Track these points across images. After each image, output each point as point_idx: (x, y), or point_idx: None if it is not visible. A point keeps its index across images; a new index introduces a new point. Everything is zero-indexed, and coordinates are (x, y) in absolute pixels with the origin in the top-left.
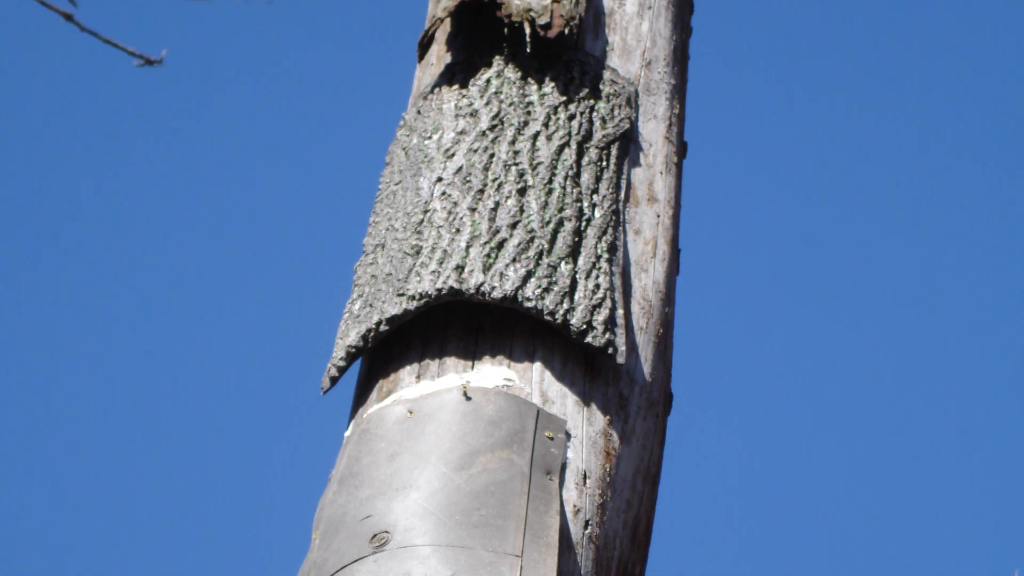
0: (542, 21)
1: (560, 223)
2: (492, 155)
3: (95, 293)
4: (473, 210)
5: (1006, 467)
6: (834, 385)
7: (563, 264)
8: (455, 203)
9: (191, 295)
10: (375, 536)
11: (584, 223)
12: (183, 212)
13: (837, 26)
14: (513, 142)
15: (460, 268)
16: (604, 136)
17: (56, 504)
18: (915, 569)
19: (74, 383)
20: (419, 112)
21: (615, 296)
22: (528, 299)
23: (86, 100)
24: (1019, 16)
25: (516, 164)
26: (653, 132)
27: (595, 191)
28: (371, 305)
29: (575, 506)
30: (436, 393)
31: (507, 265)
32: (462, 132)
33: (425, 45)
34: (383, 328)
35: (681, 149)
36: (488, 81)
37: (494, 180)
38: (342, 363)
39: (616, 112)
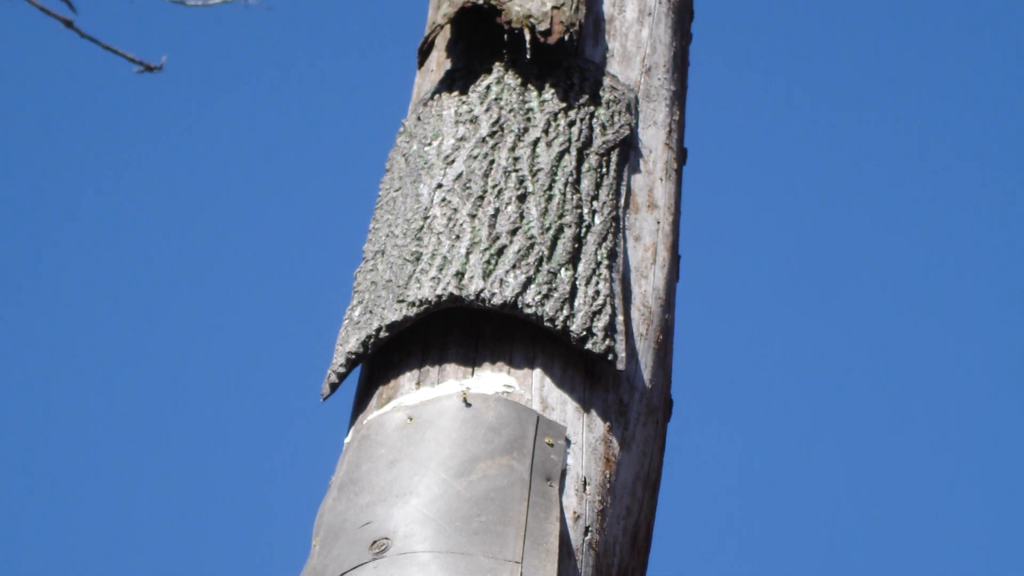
0: (542, 27)
1: (560, 229)
2: (492, 161)
3: (96, 299)
4: (473, 216)
5: (1007, 475)
6: (834, 391)
7: (563, 270)
8: (455, 209)
9: (191, 301)
10: (375, 542)
11: (584, 229)
12: (183, 218)
13: (837, 33)
14: (513, 148)
15: (460, 274)
16: (604, 142)
17: (58, 510)
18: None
19: (78, 390)
20: (419, 118)
21: (615, 302)
22: (528, 305)
23: (87, 106)
24: (1018, 17)
25: (516, 170)
26: (653, 138)
27: (595, 197)
28: (371, 311)
29: (575, 512)
30: (436, 399)
31: (507, 271)
32: (462, 138)
33: (425, 51)
34: (383, 334)
35: (681, 155)
36: (488, 87)
37: (494, 186)
38: (342, 369)
39: (616, 118)
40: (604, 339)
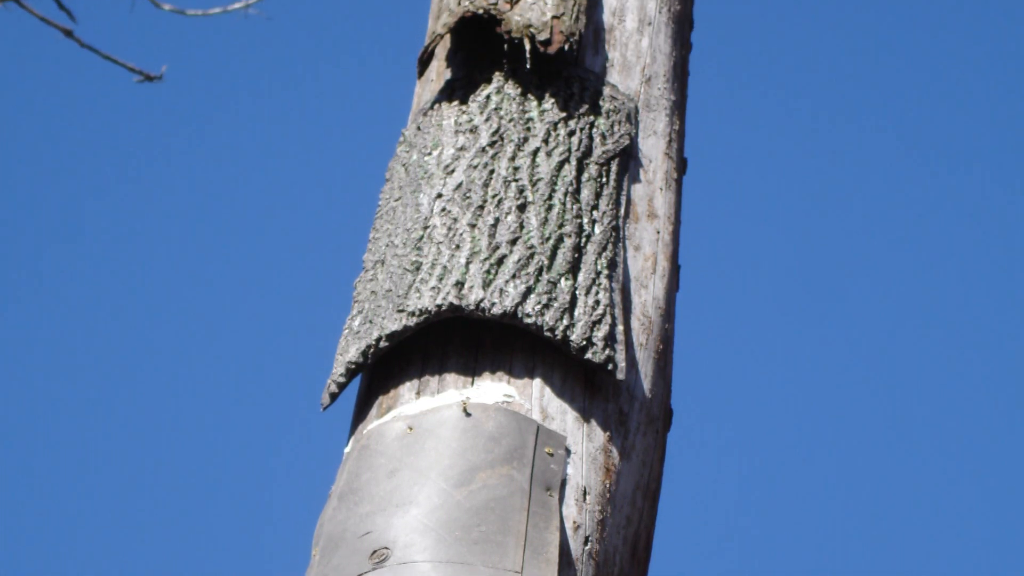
0: (542, 37)
1: (560, 239)
2: (492, 171)
3: (97, 307)
4: (473, 226)
5: (1009, 492)
6: (834, 401)
7: (563, 280)
8: (455, 219)
9: (191, 311)
10: (375, 552)
11: (584, 239)
12: (184, 228)
13: (837, 43)
14: (513, 158)
15: (460, 284)
16: (604, 152)
17: (59, 517)
18: None
19: (82, 401)
20: (419, 128)
21: (615, 312)
22: (528, 315)
23: (87, 116)
24: (1018, 17)
25: (516, 180)
26: (653, 148)
27: (595, 207)
28: (371, 321)
29: (575, 522)
30: (436, 409)
31: (507, 281)
32: (462, 148)
33: (425, 61)
34: (383, 344)
35: (681, 165)
36: (488, 97)
37: (494, 196)
38: (342, 379)
39: (616, 128)
40: (604, 349)
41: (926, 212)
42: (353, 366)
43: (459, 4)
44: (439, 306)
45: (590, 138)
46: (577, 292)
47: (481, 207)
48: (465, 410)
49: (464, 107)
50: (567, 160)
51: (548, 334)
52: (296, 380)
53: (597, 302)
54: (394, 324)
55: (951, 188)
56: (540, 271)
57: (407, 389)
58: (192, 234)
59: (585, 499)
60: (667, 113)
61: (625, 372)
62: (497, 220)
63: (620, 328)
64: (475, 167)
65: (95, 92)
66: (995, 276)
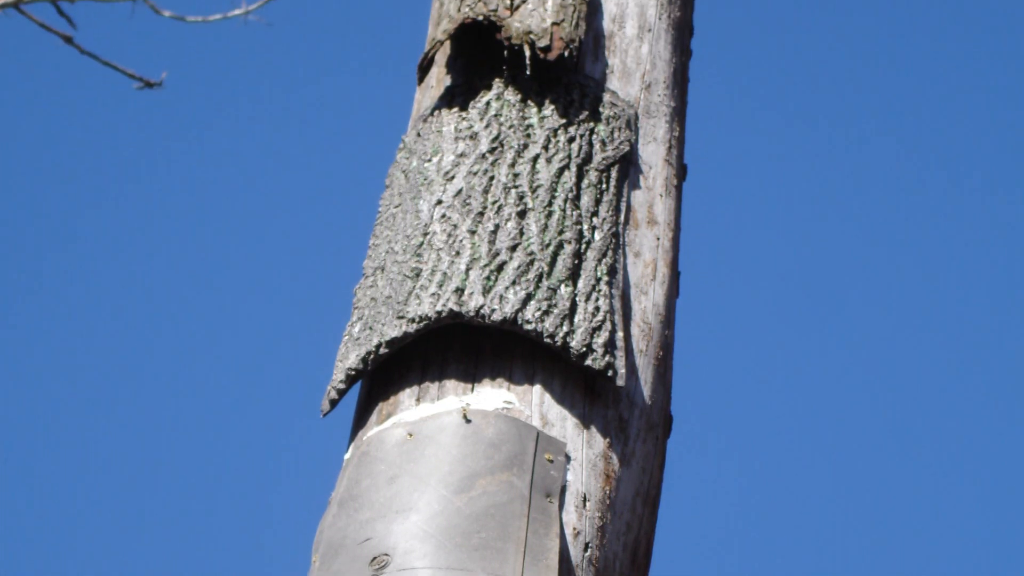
0: (542, 44)
1: (560, 246)
2: (492, 178)
3: (97, 314)
4: (473, 233)
5: (1008, 505)
6: (835, 407)
7: (563, 287)
8: (455, 226)
9: (190, 318)
10: (375, 559)
11: (584, 246)
12: (184, 234)
13: (838, 50)
14: (513, 164)
15: (460, 291)
16: (604, 159)
17: (60, 521)
18: None
19: (84, 402)
20: (419, 135)
21: (615, 319)
22: (528, 322)
23: (87, 122)
24: (1018, 18)
25: (516, 187)
26: (653, 154)
27: (595, 214)
28: (371, 328)
29: (575, 529)
30: (436, 416)
31: (507, 288)
32: (462, 155)
33: (425, 67)
34: (383, 351)
35: (681, 171)
36: (488, 103)
37: (494, 203)
38: (342, 386)
39: (616, 135)
40: (604, 355)
41: (925, 219)
42: (353, 372)
43: (459, 10)
44: (439, 312)
45: (590, 144)
46: (577, 298)
47: (481, 213)
48: (465, 416)
49: (464, 113)
50: (567, 166)
51: (548, 340)
52: (296, 386)
53: (597, 308)
54: (394, 330)
55: (950, 195)
56: (540, 277)
57: (407, 395)
58: (193, 240)
59: (585, 505)
60: (667, 119)
61: (625, 379)
62: (497, 226)
63: (620, 334)
64: (475, 173)
65: (95, 99)
66: (995, 283)
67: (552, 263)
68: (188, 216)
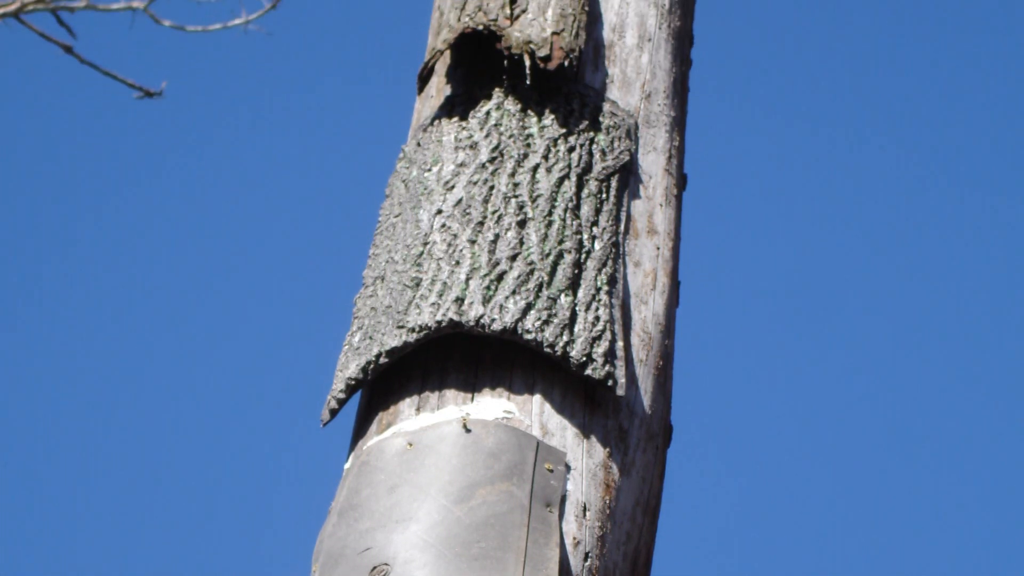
0: (542, 53)
1: (560, 255)
2: (492, 187)
3: (99, 320)
4: (473, 242)
5: (1006, 515)
6: (835, 416)
7: (563, 296)
8: (455, 235)
9: (190, 327)
10: (375, 568)
11: (584, 255)
12: (183, 243)
13: (838, 60)
14: (513, 174)
15: (460, 300)
16: (604, 168)
17: (60, 529)
18: None
19: (86, 409)
20: (419, 144)
21: (615, 328)
22: (528, 331)
23: (86, 132)
24: (1018, 18)
25: (516, 196)
26: (653, 164)
27: (595, 223)
28: (371, 337)
29: (575, 538)
30: (436, 425)
31: (507, 297)
32: (462, 164)
33: (425, 77)
34: (383, 360)
35: (681, 181)
36: (488, 113)
37: (494, 212)
38: (342, 395)
39: (616, 144)
40: (604, 365)
41: (924, 230)
42: (353, 382)
43: (459, 20)
44: (439, 322)
45: (590, 154)
46: (577, 308)
47: (481, 223)
48: (465, 426)
49: (464, 123)
50: (567, 176)
51: (548, 350)
52: (296, 396)
53: (597, 318)
54: (394, 340)
55: (950, 207)
56: (540, 287)
57: (407, 405)
58: (194, 249)
59: (585, 515)
60: (667, 129)
61: (625, 388)
62: (497, 236)
63: (620, 344)
64: (475, 183)
65: (95, 108)
66: (995, 291)
67: (552, 273)
68: (188, 225)
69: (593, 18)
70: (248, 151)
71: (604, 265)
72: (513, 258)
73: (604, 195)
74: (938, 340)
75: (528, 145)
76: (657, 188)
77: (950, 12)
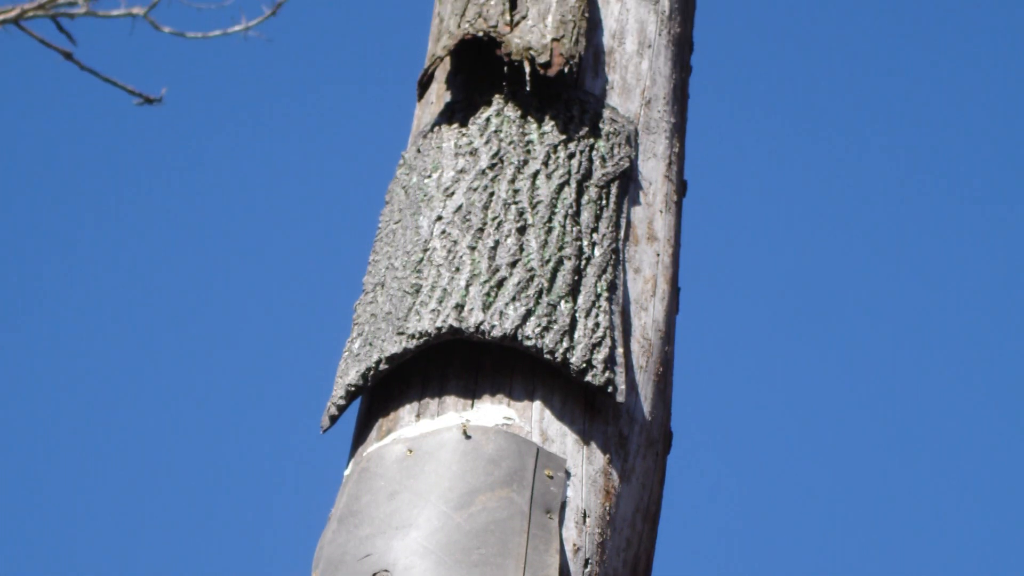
0: (542, 60)
1: (560, 262)
2: (492, 194)
3: (97, 333)
4: (473, 249)
5: (1004, 522)
6: (836, 423)
7: (563, 303)
8: (455, 242)
9: (188, 334)
10: (375, 575)
11: (584, 262)
12: (184, 249)
13: (839, 66)
14: (513, 181)
15: (460, 307)
16: (604, 175)
17: (61, 534)
18: None
19: (88, 414)
20: (419, 151)
21: (615, 335)
22: (528, 338)
23: (87, 138)
24: (1018, 19)
25: (516, 203)
26: (653, 170)
27: (595, 230)
28: (371, 344)
29: (575, 545)
30: (436, 432)
31: (507, 304)
32: (462, 171)
33: (425, 84)
34: (383, 367)
35: (681, 188)
36: (488, 120)
37: (494, 219)
38: (342, 402)
39: (616, 151)
40: (604, 371)
41: (926, 236)
42: (353, 388)
43: (459, 26)
44: (439, 329)
45: (590, 160)
46: (577, 314)
47: (481, 229)
48: (465, 433)
49: (464, 129)
50: (567, 182)
51: (548, 356)
52: (296, 403)
53: (597, 324)
54: (394, 347)
55: (951, 214)
56: (540, 293)
57: (407, 411)
58: (194, 255)
59: (585, 521)
60: (667, 135)
61: (625, 395)
62: (497, 242)
63: (620, 351)
64: (475, 189)
65: (95, 114)
66: (993, 298)
67: (552, 279)
68: (189, 232)
69: (593, 24)
70: (248, 157)
71: (604, 271)
72: (513, 264)
73: (604, 201)
74: (936, 349)
75: (528, 151)
76: (657, 194)
77: (949, 16)
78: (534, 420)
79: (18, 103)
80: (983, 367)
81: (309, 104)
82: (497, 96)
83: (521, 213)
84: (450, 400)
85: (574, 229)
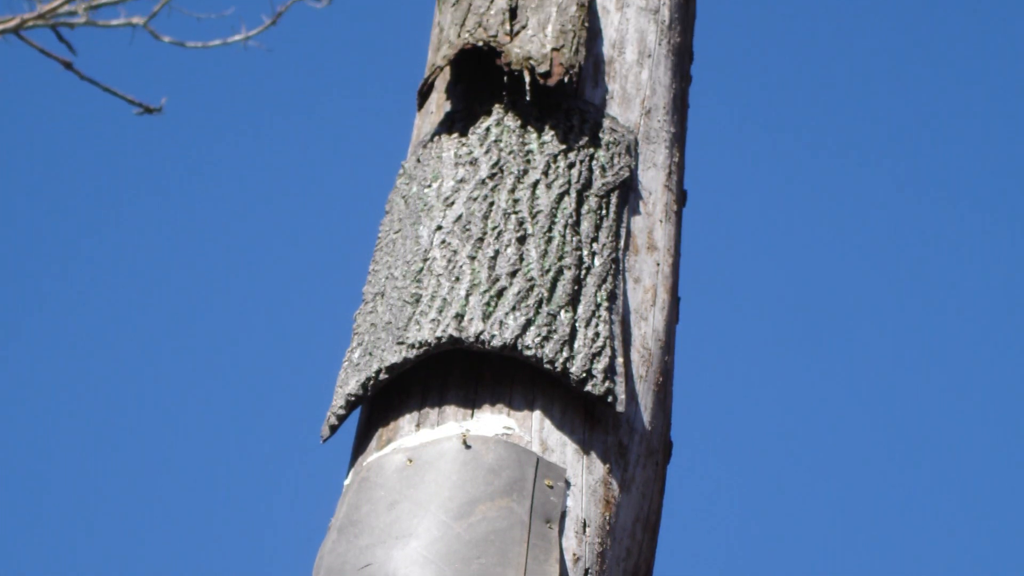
0: (542, 69)
1: (560, 271)
2: (492, 203)
3: (98, 338)
4: (473, 258)
5: (1003, 527)
6: (836, 434)
7: (563, 312)
8: (455, 251)
9: (189, 343)
10: None
11: (584, 271)
12: (184, 259)
13: (840, 76)
14: (513, 190)
15: (460, 316)
16: (604, 184)
17: (61, 537)
18: None
19: (89, 418)
20: (419, 160)
21: (615, 344)
22: (528, 347)
23: (86, 148)
24: (1017, 18)
25: (516, 212)
26: (653, 180)
27: (595, 239)
28: (371, 353)
29: (575, 554)
30: (436, 441)
31: (507, 313)
32: (462, 180)
33: (425, 93)
34: (383, 376)
35: (681, 197)
36: (488, 129)
37: (494, 228)
38: (342, 411)
39: (616, 160)
40: (604, 381)
41: (925, 246)
42: (353, 398)
43: (459, 36)
44: (439, 338)
45: (590, 170)
46: (577, 324)
47: (481, 239)
48: (465, 442)
49: (464, 139)
50: (567, 192)
51: (548, 366)
52: (296, 412)
53: (597, 334)
54: (394, 356)
55: (950, 224)
56: (540, 303)
57: (407, 421)
58: (193, 265)
59: (585, 531)
60: (667, 145)
61: (625, 404)
62: (497, 252)
63: (620, 360)
64: (475, 199)
65: (95, 124)
66: (992, 305)
67: (552, 289)
68: (188, 241)
69: (593, 34)
70: (248, 167)
71: (604, 281)
72: (513, 274)
73: (604, 211)
74: (936, 357)
75: (528, 161)
76: (657, 204)
77: (945, 30)
78: (534, 430)
79: (18, 112)
80: (982, 375)
81: (309, 114)
82: (497, 106)
83: (521, 223)
84: (450, 410)
85: (574, 239)
